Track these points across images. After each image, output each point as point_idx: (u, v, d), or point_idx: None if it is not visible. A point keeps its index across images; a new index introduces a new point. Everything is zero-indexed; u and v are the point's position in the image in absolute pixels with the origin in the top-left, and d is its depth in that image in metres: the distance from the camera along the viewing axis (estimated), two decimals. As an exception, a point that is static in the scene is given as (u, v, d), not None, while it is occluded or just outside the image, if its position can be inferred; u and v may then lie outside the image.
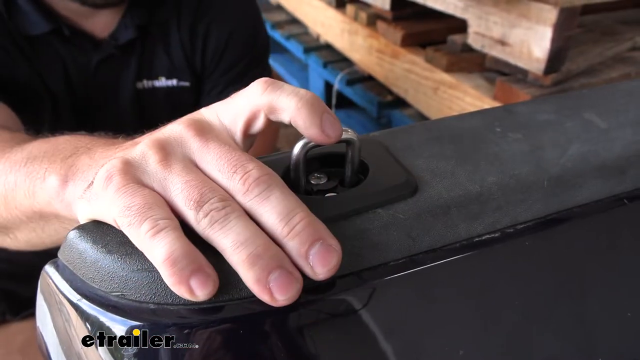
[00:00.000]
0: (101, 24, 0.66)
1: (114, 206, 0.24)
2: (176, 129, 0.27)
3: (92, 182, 0.27)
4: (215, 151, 0.25)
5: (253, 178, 0.24)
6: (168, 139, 0.26)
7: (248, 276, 0.22)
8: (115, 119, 0.72)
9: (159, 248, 0.22)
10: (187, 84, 0.73)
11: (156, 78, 0.72)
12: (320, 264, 0.22)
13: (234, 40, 0.73)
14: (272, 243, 0.23)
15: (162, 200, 0.24)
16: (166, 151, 0.26)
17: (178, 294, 0.22)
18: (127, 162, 0.26)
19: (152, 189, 0.25)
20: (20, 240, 0.40)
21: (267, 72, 0.81)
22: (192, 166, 0.25)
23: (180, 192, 0.24)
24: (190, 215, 0.24)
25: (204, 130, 0.27)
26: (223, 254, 0.23)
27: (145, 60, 0.70)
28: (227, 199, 0.24)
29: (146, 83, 0.71)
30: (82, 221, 0.27)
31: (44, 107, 0.66)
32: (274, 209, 0.23)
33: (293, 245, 0.23)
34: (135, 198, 0.24)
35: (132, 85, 0.70)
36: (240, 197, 0.24)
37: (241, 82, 0.74)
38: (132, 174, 0.25)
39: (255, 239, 0.23)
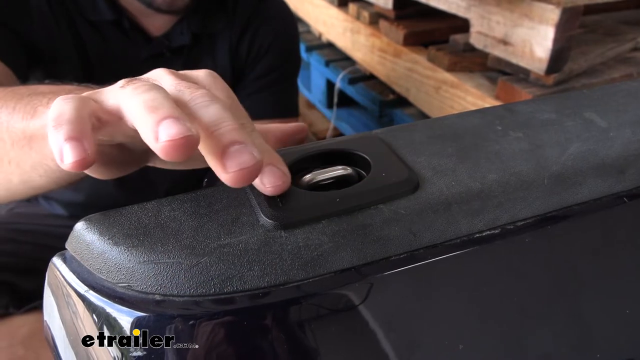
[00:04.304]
0: (157, 24, 0.70)
1: None
2: (157, 70, 0.29)
3: None
4: (179, 80, 0.27)
5: (200, 92, 0.25)
6: (145, 76, 0.28)
7: (144, 122, 0.22)
8: None
9: (52, 109, 0.24)
10: None
11: None
12: (235, 162, 0.22)
13: (276, 45, 0.76)
14: (176, 106, 0.23)
15: (91, 100, 0.26)
16: (136, 77, 0.28)
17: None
18: (95, 92, 0.28)
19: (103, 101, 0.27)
20: None
21: (295, 88, 0.84)
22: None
23: (124, 82, 0.26)
24: (120, 93, 0.25)
25: (183, 76, 0.28)
26: (133, 119, 0.24)
27: (191, 64, 0.73)
28: (158, 85, 0.25)
29: None
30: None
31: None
32: (209, 113, 0.24)
33: (214, 141, 0.23)
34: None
35: None
36: (183, 104, 0.25)
37: (269, 90, 0.77)
38: (93, 96, 0.27)
39: (164, 100, 0.23)
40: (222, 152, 0.23)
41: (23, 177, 0.37)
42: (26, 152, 0.35)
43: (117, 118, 0.26)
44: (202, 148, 0.24)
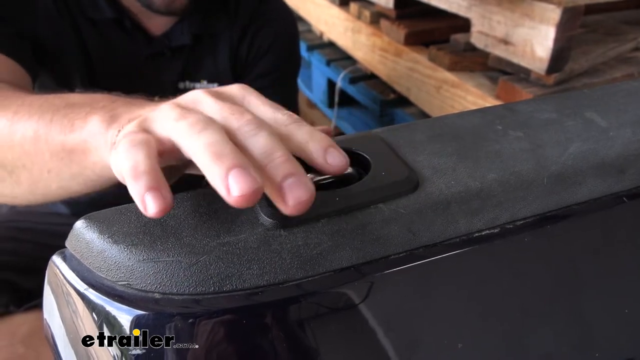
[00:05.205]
0: (158, 24, 0.70)
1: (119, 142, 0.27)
2: (196, 93, 0.30)
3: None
4: (221, 103, 0.28)
5: (246, 118, 0.26)
6: (186, 100, 0.29)
7: (212, 171, 0.23)
8: None
9: (125, 158, 0.25)
10: None
11: (198, 81, 0.75)
12: (292, 196, 0.23)
13: (276, 46, 0.77)
14: (240, 152, 0.24)
15: (152, 138, 0.27)
16: (179, 105, 0.29)
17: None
18: (145, 119, 0.29)
19: (155, 132, 0.28)
20: (23, 183, 0.41)
21: (295, 88, 0.84)
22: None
23: (174, 114, 0.27)
24: (175, 128, 0.26)
25: (222, 95, 0.29)
26: (196, 160, 0.25)
27: (191, 64, 0.73)
28: (211, 118, 0.26)
29: (188, 84, 0.74)
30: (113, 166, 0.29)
31: (82, 84, 0.69)
32: (259, 143, 0.25)
33: (270, 174, 0.24)
34: (133, 134, 0.27)
35: (174, 85, 0.73)
36: (232, 132, 0.26)
37: (270, 90, 0.78)
38: (144, 125, 0.28)
39: (225, 143, 0.24)
40: (279, 186, 0.24)
41: (62, 184, 0.39)
42: (66, 164, 0.37)
43: (170, 148, 0.27)
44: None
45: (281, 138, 0.27)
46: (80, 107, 0.37)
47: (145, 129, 0.28)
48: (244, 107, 0.29)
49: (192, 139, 0.25)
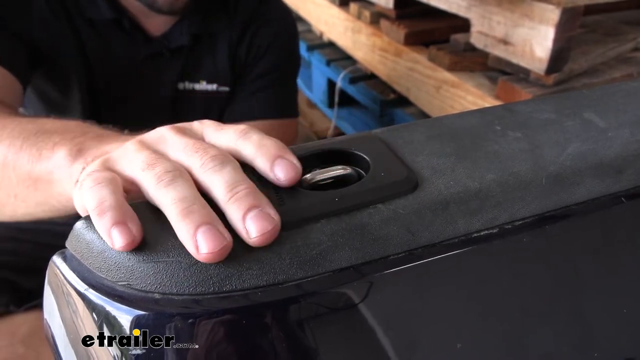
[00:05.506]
0: (156, 24, 0.70)
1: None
2: (160, 131, 0.30)
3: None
4: (185, 139, 0.28)
5: (210, 155, 0.27)
6: (151, 139, 0.30)
7: (180, 227, 0.24)
8: (150, 112, 0.74)
9: (90, 196, 0.26)
10: (226, 89, 0.76)
11: (197, 81, 0.75)
12: (255, 228, 0.23)
13: (276, 46, 0.76)
14: (208, 207, 0.25)
15: (117, 176, 0.27)
16: (144, 145, 0.29)
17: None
18: (108, 159, 0.29)
19: (121, 172, 0.28)
20: None
21: (294, 88, 0.84)
22: (162, 154, 0.29)
23: (141, 161, 0.27)
24: (143, 177, 0.26)
25: (185, 131, 0.30)
26: (164, 211, 0.25)
27: (190, 64, 0.73)
28: (178, 168, 0.27)
29: (187, 85, 0.74)
30: (76, 201, 0.30)
31: (80, 85, 0.69)
32: (223, 179, 0.26)
33: (233, 208, 0.24)
34: (97, 173, 0.28)
35: (174, 85, 0.73)
36: (196, 170, 0.27)
37: (269, 90, 0.77)
38: (107, 165, 0.29)
39: (194, 199, 0.25)
40: (243, 219, 0.24)
41: (28, 210, 0.40)
42: (31, 192, 0.37)
43: (137, 189, 0.27)
44: (226, 213, 0.25)
45: (235, 155, 0.28)
46: (50, 135, 0.37)
47: (109, 169, 0.28)
48: (205, 138, 0.30)
49: (160, 192, 0.25)
